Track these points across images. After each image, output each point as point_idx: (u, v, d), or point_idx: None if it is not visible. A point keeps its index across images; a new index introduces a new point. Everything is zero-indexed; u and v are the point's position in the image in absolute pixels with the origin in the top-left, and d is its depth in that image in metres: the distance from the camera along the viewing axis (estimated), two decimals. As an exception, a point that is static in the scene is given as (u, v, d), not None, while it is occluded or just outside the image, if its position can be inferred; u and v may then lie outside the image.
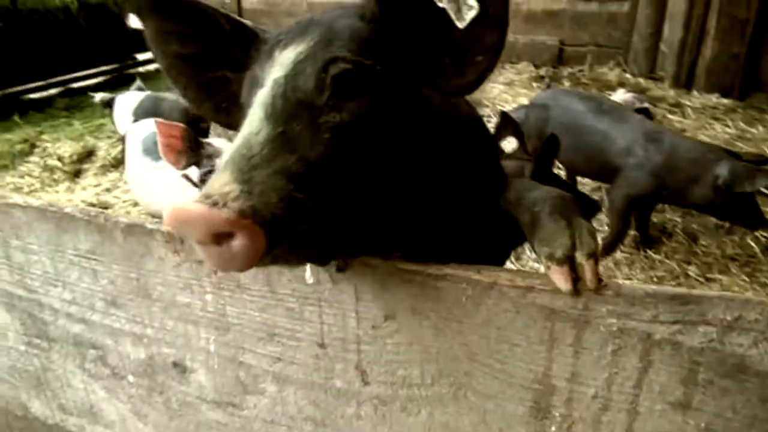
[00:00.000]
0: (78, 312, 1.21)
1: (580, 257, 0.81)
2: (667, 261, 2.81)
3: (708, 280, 2.64)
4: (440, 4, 0.90)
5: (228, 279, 1.02)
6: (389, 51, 0.91)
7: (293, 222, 0.74)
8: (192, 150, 1.70)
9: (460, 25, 0.89)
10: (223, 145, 2.01)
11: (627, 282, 0.73)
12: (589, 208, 1.96)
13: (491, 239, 1.19)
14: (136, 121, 3.94)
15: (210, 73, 1.09)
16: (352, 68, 0.85)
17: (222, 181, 0.73)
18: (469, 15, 0.89)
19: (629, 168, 2.70)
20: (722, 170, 2.47)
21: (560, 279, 0.80)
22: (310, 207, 0.75)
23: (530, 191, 1.06)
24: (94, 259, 1.13)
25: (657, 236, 3.02)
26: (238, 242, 0.71)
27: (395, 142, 0.89)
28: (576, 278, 0.80)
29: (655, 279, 2.65)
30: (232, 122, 1.07)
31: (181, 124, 1.89)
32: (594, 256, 0.81)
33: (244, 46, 1.03)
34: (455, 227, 1.06)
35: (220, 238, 0.71)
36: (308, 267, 0.95)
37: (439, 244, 0.96)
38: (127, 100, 4.19)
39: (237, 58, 1.05)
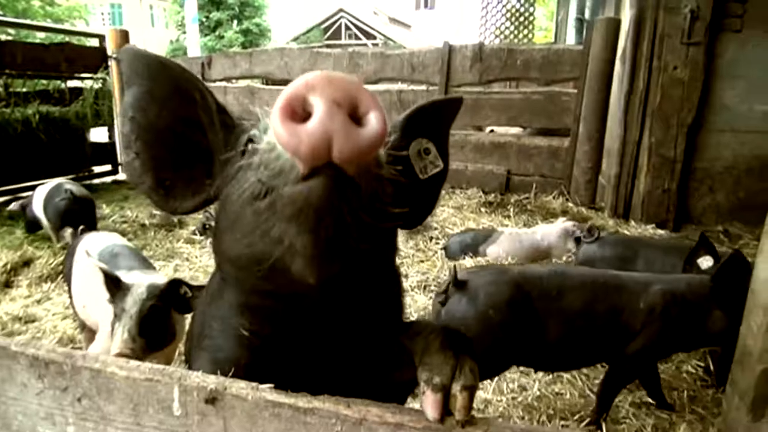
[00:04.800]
0: (-71, 443, 1.08)
1: (456, 388, 0.79)
2: None
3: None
4: (413, 160, 1.15)
5: (92, 409, 0.94)
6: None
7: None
8: (110, 286, 2.06)
9: (422, 176, 1.16)
10: (139, 280, 2.11)
11: (498, 419, 0.69)
12: None
13: (383, 377, 1.08)
14: (46, 210, 4.50)
15: (170, 146, 1.08)
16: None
17: None
18: (432, 171, 1.17)
19: None
20: None
21: (430, 406, 0.78)
22: None
23: (428, 326, 1.03)
24: (-47, 383, 1.03)
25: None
26: (372, 120, 0.71)
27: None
28: (446, 411, 0.76)
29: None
30: (164, 200, 1.08)
31: (105, 268, 2.08)
32: (470, 391, 0.79)
33: (224, 130, 1.06)
34: (350, 354, 1.01)
35: (353, 111, 0.71)
36: (176, 396, 0.88)
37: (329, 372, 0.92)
38: (41, 192, 4.58)
39: (207, 141, 1.08)
